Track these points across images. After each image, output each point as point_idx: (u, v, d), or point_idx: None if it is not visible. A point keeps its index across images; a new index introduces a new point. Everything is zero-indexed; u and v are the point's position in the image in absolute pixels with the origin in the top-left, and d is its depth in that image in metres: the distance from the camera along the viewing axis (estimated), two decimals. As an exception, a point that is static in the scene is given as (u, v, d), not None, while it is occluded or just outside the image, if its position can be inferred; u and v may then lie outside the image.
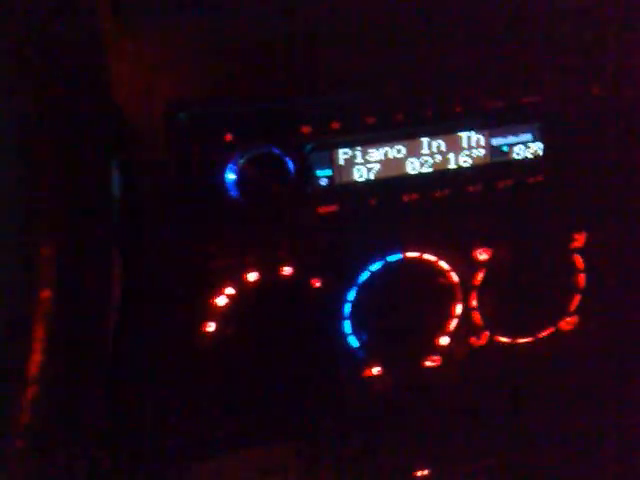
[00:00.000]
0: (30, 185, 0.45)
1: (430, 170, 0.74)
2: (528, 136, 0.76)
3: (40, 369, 0.45)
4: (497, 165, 0.76)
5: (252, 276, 0.74)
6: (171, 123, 0.66)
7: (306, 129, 0.69)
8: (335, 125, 0.70)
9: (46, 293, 0.45)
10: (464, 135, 0.74)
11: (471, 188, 0.75)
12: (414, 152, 0.73)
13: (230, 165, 0.67)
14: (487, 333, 0.84)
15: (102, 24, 0.57)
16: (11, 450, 0.44)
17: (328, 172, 0.72)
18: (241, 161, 0.66)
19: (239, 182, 0.67)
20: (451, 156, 0.74)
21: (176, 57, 0.66)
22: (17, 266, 0.45)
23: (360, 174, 0.72)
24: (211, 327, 0.75)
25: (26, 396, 0.44)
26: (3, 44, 0.44)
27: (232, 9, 0.66)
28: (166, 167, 0.67)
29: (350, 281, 0.78)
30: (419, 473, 0.87)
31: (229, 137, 0.67)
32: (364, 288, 0.78)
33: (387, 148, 0.73)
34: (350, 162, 0.72)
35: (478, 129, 0.74)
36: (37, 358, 0.45)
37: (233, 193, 0.68)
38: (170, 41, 0.66)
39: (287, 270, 0.75)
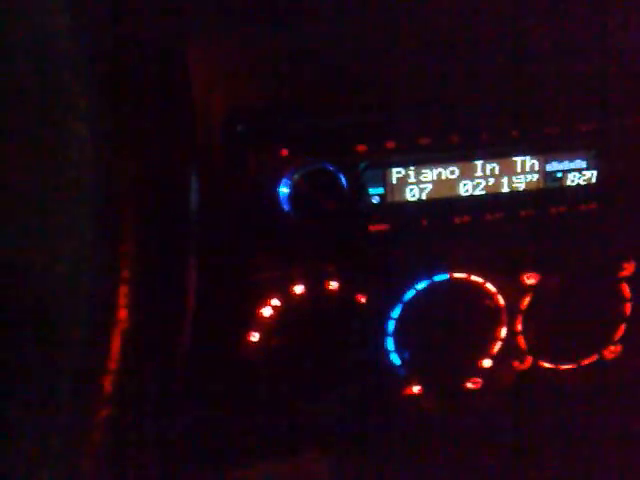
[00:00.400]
0: (112, 207, 0.46)
1: (483, 193, 0.74)
2: (582, 163, 0.75)
3: (114, 387, 0.46)
4: (550, 191, 0.75)
5: (298, 289, 0.74)
6: (229, 134, 0.67)
7: (361, 147, 0.69)
8: (390, 144, 0.70)
9: (123, 313, 0.46)
10: (519, 159, 0.74)
11: (523, 212, 0.75)
12: (467, 174, 0.73)
13: (284, 179, 0.67)
14: (530, 358, 0.83)
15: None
16: (84, 466, 0.45)
17: (380, 190, 0.72)
18: (295, 176, 0.67)
19: (292, 196, 0.68)
20: (504, 180, 0.74)
21: (236, 69, 0.66)
22: (96, 286, 0.46)
23: (412, 194, 0.73)
24: (255, 337, 0.75)
25: (100, 413, 0.45)
26: (83, 60, 0.45)
27: (293, 25, 0.67)
28: (221, 177, 0.68)
29: (395, 298, 0.78)
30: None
31: (285, 152, 0.67)
32: (409, 306, 0.78)
33: (440, 169, 0.72)
34: (403, 181, 0.72)
35: (533, 154, 0.74)
36: (113, 378, 0.45)
37: (285, 207, 0.68)
38: (231, 54, 0.66)
39: (333, 285, 0.75)
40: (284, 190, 0.68)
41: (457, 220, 0.74)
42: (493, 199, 0.74)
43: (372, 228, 0.72)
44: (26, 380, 0.46)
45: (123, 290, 0.45)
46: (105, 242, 0.45)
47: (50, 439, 0.45)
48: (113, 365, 0.45)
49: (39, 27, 0.44)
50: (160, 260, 0.48)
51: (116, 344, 0.45)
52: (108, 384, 0.45)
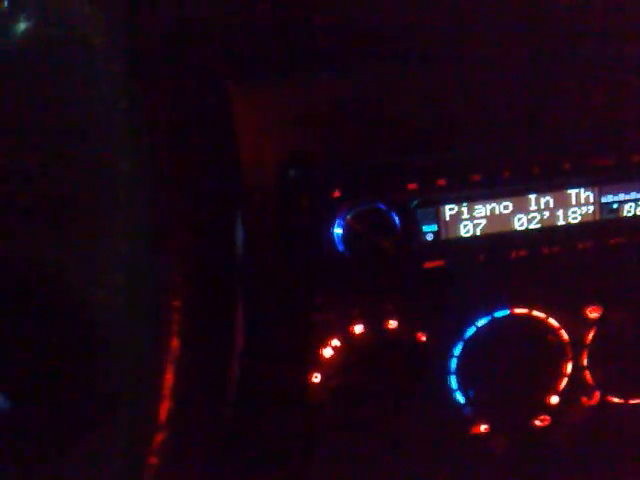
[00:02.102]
0: (162, 241, 0.48)
1: (538, 226, 0.74)
2: (639, 194, 0.74)
3: (169, 415, 0.47)
4: (607, 222, 0.75)
5: (358, 328, 0.75)
6: (281, 180, 0.69)
7: (412, 186, 0.70)
8: (441, 182, 0.71)
9: (176, 342, 0.47)
10: (573, 192, 0.74)
11: (581, 245, 0.75)
12: (521, 208, 0.73)
13: (337, 220, 0.69)
14: (598, 393, 0.82)
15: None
16: None
17: (434, 227, 0.72)
18: (348, 216, 0.68)
19: (346, 236, 0.69)
20: (560, 213, 0.74)
21: (287, 117, 0.69)
22: (149, 316, 0.48)
23: (466, 230, 0.73)
24: (317, 378, 0.76)
25: (156, 441, 0.47)
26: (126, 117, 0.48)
27: (338, 71, 0.69)
28: (277, 221, 0.70)
29: (456, 336, 0.78)
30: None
31: (337, 193, 0.69)
32: (471, 343, 0.78)
33: (494, 204, 0.73)
34: (456, 218, 0.73)
35: (587, 186, 0.74)
36: (167, 405, 0.47)
37: (340, 247, 0.70)
38: (281, 102, 0.69)
39: (392, 323, 0.76)
40: (338, 231, 0.69)
41: (513, 254, 0.74)
42: (549, 232, 0.74)
43: (427, 265, 0.73)
44: (86, 405, 0.48)
45: (175, 318, 0.47)
46: (157, 275, 0.47)
47: (109, 464, 0.47)
48: (167, 392, 0.47)
49: (91, 71, 0.47)
50: (208, 296, 0.50)
51: (169, 373, 0.47)
52: (163, 411, 0.47)
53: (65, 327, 0.49)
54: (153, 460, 0.46)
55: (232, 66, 0.66)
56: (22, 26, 0.48)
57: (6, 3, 0.48)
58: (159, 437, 0.47)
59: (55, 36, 0.48)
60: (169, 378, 0.47)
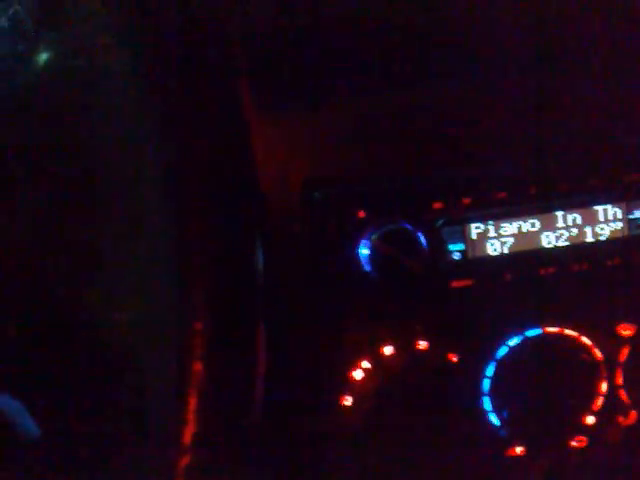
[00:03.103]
0: (182, 263, 0.49)
1: (566, 244, 0.74)
2: (668, 209, 0.74)
3: (193, 439, 0.48)
4: (636, 238, 0.74)
5: (388, 350, 0.75)
6: (307, 202, 0.70)
7: (437, 205, 0.71)
8: (466, 200, 0.71)
9: (198, 366, 0.48)
10: (600, 208, 0.74)
11: (610, 262, 0.74)
12: (549, 226, 0.73)
13: (363, 240, 0.70)
14: (635, 412, 0.80)
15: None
16: None
17: (461, 246, 0.73)
18: (374, 237, 0.69)
19: (372, 257, 0.70)
20: (588, 229, 0.74)
21: (311, 141, 0.70)
22: (172, 340, 0.49)
23: (494, 248, 0.73)
24: (348, 401, 0.76)
25: (181, 464, 0.48)
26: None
27: (361, 92, 0.70)
28: (302, 243, 0.70)
29: (488, 356, 0.78)
30: None
31: (362, 214, 0.70)
32: (503, 363, 0.78)
33: (521, 222, 0.73)
34: (483, 236, 0.73)
35: (615, 202, 0.74)
36: (191, 428, 0.48)
37: (367, 268, 0.70)
38: (305, 124, 0.70)
39: (423, 344, 0.76)
40: (364, 251, 0.70)
41: (542, 272, 0.74)
42: (577, 250, 0.74)
43: (455, 284, 0.73)
44: (114, 427, 0.49)
45: (198, 342, 0.48)
46: (179, 299, 0.48)
47: None
48: (190, 416, 0.47)
49: (112, 100, 0.48)
50: (229, 320, 0.51)
51: (193, 396, 0.48)
52: (187, 435, 0.47)
53: (88, 350, 0.50)
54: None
55: (258, 92, 0.68)
56: (43, 57, 0.50)
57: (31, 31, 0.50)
58: (184, 460, 0.47)
59: (76, 66, 0.50)
60: (192, 402, 0.48)
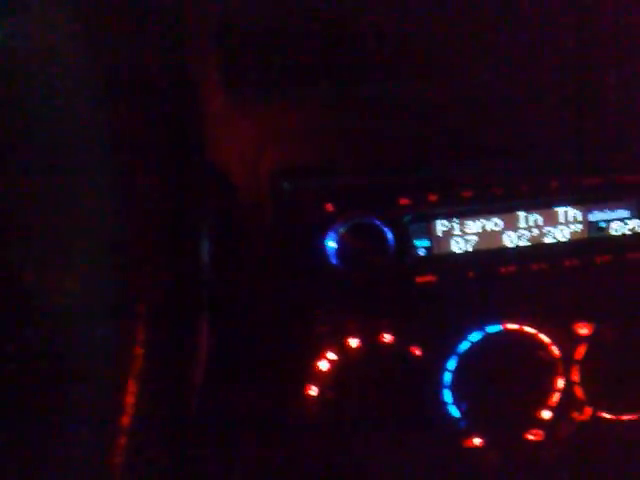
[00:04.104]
0: (126, 251, 0.50)
1: (527, 243, 0.76)
2: (626, 213, 0.77)
3: (131, 421, 0.49)
4: (595, 240, 0.77)
5: (353, 342, 0.77)
6: (275, 193, 0.72)
7: (404, 201, 0.73)
8: (432, 197, 0.73)
9: (139, 351, 0.50)
10: (561, 210, 0.76)
11: (568, 262, 0.77)
12: (511, 225, 0.76)
13: (331, 233, 0.71)
14: (590, 409, 0.83)
15: (212, 100, 0.64)
16: None
17: (426, 243, 0.75)
18: (341, 230, 0.71)
19: (339, 250, 0.71)
20: (548, 230, 0.76)
21: (282, 130, 0.71)
22: (113, 326, 0.50)
23: (458, 246, 0.75)
24: (313, 391, 0.78)
25: (118, 444, 0.49)
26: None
27: (334, 87, 0.72)
28: (271, 235, 0.72)
29: (450, 350, 0.80)
30: None
31: (330, 207, 0.71)
32: (464, 358, 0.80)
33: (484, 221, 0.75)
34: (448, 233, 0.75)
35: (575, 205, 0.76)
36: (130, 411, 0.49)
37: (333, 261, 0.72)
38: (276, 115, 0.72)
39: (387, 337, 0.78)
40: (331, 244, 0.72)
41: (503, 271, 0.76)
42: (537, 250, 0.77)
43: (419, 280, 0.75)
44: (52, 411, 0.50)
45: (139, 328, 0.49)
46: (121, 279, 0.50)
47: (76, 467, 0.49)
48: (129, 399, 0.49)
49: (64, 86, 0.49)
50: (172, 305, 0.52)
51: (132, 382, 0.49)
52: (126, 418, 0.49)
53: (27, 336, 0.51)
54: (116, 460, 0.48)
55: (228, 77, 0.69)
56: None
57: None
58: (121, 441, 0.49)
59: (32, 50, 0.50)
60: (132, 385, 0.49)
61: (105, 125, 0.50)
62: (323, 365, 0.77)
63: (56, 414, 0.50)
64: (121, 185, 0.50)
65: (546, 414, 0.83)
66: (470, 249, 0.76)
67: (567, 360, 0.82)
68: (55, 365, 0.50)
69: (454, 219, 0.75)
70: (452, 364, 0.80)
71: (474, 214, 0.75)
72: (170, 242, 0.52)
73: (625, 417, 0.84)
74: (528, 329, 0.80)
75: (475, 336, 0.80)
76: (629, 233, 0.77)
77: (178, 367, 0.54)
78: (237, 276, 0.71)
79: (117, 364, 0.50)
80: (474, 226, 0.75)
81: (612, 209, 0.77)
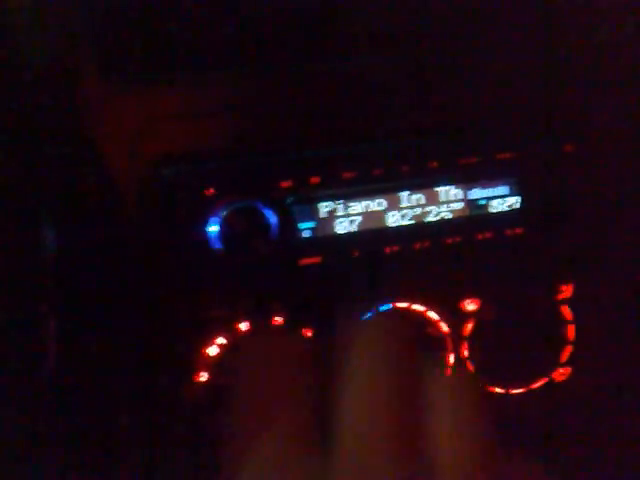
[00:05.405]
0: None
1: (410, 222, 0.78)
2: (505, 190, 0.79)
3: None
4: (475, 218, 0.79)
5: (243, 326, 0.77)
6: (155, 179, 0.71)
7: (286, 183, 0.73)
8: (315, 180, 0.74)
9: None
10: (442, 189, 0.78)
11: (450, 240, 0.78)
12: (394, 205, 0.77)
13: (212, 218, 0.71)
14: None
15: (88, 87, 0.63)
16: None
17: (311, 224, 0.75)
18: (223, 214, 0.71)
19: (222, 234, 0.72)
20: (430, 209, 0.78)
21: (160, 115, 0.70)
22: None
23: (342, 226, 0.76)
24: (204, 377, 0.78)
25: None
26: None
27: (212, 70, 0.72)
28: (152, 221, 0.72)
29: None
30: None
31: (211, 191, 0.71)
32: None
33: (368, 201, 0.76)
34: (332, 215, 0.76)
35: (455, 183, 0.78)
36: None
37: (217, 245, 0.72)
38: (153, 101, 0.71)
39: (278, 320, 0.78)
40: (213, 228, 0.72)
41: (388, 250, 0.77)
42: (420, 228, 0.78)
43: (304, 262, 0.76)
44: None
45: None
46: None
47: None
48: None
49: None
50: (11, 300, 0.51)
51: None
52: None
53: None
54: None
55: (104, 62, 0.68)
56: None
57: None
58: None
59: None
60: None
61: None
62: (212, 350, 0.77)
63: None
64: None
65: (438, 390, 0.84)
66: (355, 229, 0.77)
67: (456, 336, 0.83)
68: None
69: (338, 200, 0.75)
70: (344, 345, 0.81)
71: (358, 195, 0.76)
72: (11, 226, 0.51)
73: (514, 391, 0.86)
74: (416, 307, 0.82)
75: (367, 316, 0.80)
76: (507, 209, 0.79)
77: (26, 358, 0.53)
78: (114, 266, 0.70)
79: None
80: (358, 207, 0.76)
81: (491, 187, 0.79)
